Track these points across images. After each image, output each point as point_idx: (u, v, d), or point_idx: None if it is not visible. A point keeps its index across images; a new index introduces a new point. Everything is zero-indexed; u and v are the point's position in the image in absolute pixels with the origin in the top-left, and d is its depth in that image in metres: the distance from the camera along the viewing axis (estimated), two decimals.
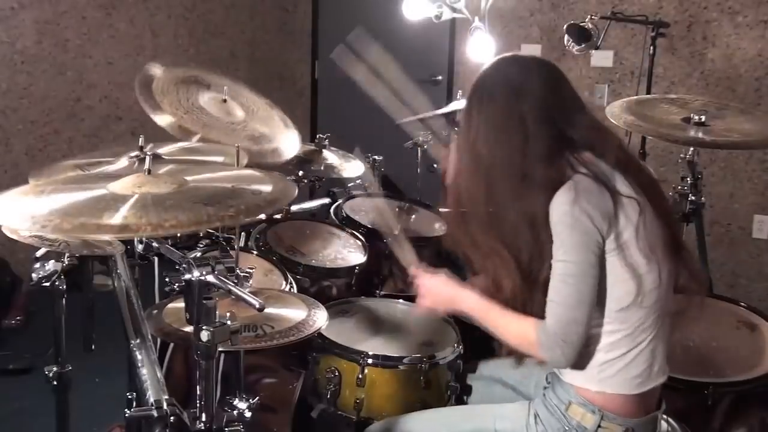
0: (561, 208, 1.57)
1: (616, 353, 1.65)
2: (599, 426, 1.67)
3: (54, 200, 1.40)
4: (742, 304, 2.54)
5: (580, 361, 1.65)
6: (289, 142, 2.42)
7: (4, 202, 1.39)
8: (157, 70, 2.36)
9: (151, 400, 1.43)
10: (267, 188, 1.47)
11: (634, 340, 1.64)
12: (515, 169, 1.64)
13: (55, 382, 1.88)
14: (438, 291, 1.84)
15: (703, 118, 2.44)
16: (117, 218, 1.29)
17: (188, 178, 1.51)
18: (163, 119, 2.16)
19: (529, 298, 1.67)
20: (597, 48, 3.71)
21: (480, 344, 2.31)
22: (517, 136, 1.64)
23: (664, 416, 1.80)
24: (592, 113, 1.73)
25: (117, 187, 1.45)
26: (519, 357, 1.81)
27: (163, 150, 2.12)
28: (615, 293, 1.62)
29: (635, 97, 2.94)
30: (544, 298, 1.63)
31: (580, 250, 1.57)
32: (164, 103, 2.19)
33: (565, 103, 1.68)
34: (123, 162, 2.07)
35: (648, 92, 3.79)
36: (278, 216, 2.74)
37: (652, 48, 3.75)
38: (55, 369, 1.88)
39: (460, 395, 2.12)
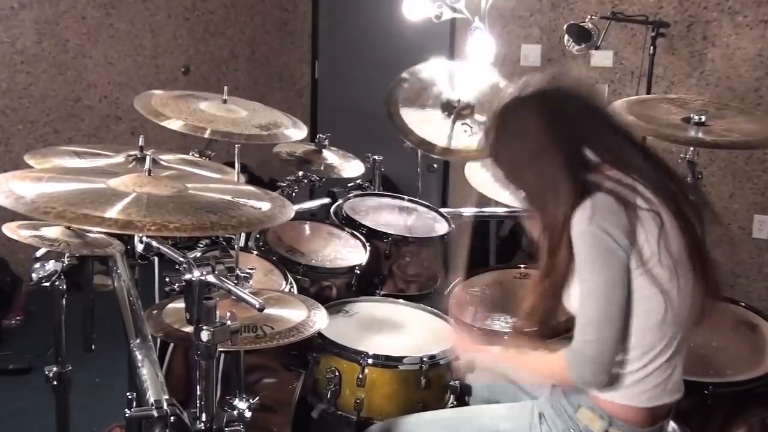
0: (579, 227, 1.56)
1: (632, 367, 1.63)
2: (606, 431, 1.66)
3: (54, 188, 1.41)
4: (742, 303, 2.54)
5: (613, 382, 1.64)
6: (296, 129, 2.43)
7: (1, 184, 1.39)
8: (153, 93, 2.39)
9: (151, 400, 1.43)
10: (265, 205, 1.49)
11: (651, 355, 1.62)
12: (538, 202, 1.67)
13: (55, 382, 1.88)
14: (482, 358, 1.96)
15: (703, 118, 2.43)
16: (121, 213, 1.30)
17: (188, 185, 1.52)
18: (172, 123, 2.18)
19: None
20: (597, 48, 3.71)
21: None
22: (531, 173, 1.67)
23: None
24: (608, 120, 1.72)
25: (117, 183, 1.46)
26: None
27: (164, 157, 2.13)
28: (639, 309, 1.60)
29: (635, 97, 2.94)
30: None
31: (602, 268, 1.55)
32: (166, 112, 2.20)
33: (570, 129, 1.67)
34: (119, 158, 2.08)
35: (648, 92, 3.79)
36: None
37: (652, 48, 3.75)
38: (55, 369, 1.88)
39: (461, 395, 2.12)
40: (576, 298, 1.62)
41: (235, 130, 2.20)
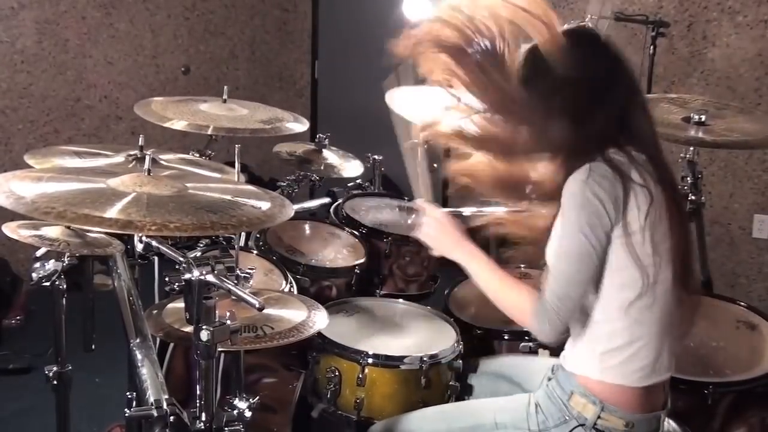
0: (572, 187, 1.59)
1: (617, 343, 1.65)
2: (599, 417, 1.67)
3: (54, 188, 1.41)
4: (742, 303, 2.54)
5: (579, 344, 1.69)
6: (297, 123, 2.44)
7: (1, 184, 1.39)
8: (152, 100, 2.40)
9: (151, 399, 1.43)
10: (265, 204, 1.49)
11: (636, 332, 1.64)
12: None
13: (55, 382, 1.88)
14: (444, 231, 1.85)
15: (703, 117, 2.44)
16: (121, 213, 1.30)
17: (189, 185, 1.53)
18: (176, 124, 2.19)
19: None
20: None
21: (480, 342, 2.32)
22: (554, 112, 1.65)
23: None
24: (644, 105, 1.71)
25: (117, 183, 1.46)
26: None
27: (164, 157, 2.13)
28: (617, 281, 1.62)
29: None
30: None
31: (584, 230, 1.57)
32: (168, 114, 2.22)
33: (621, 100, 1.67)
34: (119, 158, 2.08)
35: (648, 92, 3.79)
36: None
37: (652, 47, 3.75)
38: (55, 369, 1.88)
39: (461, 395, 2.12)
40: (552, 251, 1.65)
41: (238, 125, 2.22)
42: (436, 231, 1.86)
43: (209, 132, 2.22)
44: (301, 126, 2.41)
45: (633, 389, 1.67)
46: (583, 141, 1.63)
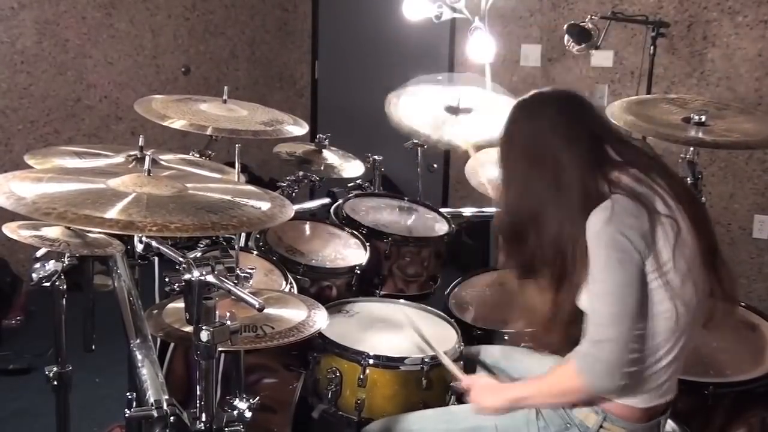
0: (596, 227, 1.55)
1: (635, 368, 1.62)
2: (601, 426, 1.67)
3: (54, 188, 1.41)
4: (743, 304, 2.53)
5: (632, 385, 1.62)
6: (297, 126, 2.45)
7: (1, 184, 1.39)
8: (153, 98, 2.40)
9: (151, 400, 1.43)
10: (265, 205, 1.49)
11: (651, 359, 1.62)
12: (551, 206, 1.64)
13: (55, 382, 1.88)
14: (488, 390, 1.82)
15: (704, 118, 2.43)
16: (122, 214, 1.30)
17: (189, 185, 1.53)
18: (176, 123, 2.20)
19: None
20: (597, 48, 3.71)
21: (480, 343, 2.31)
22: (544, 176, 1.65)
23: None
24: (618, 130, 1.76)
25: (117, 184, 1.46)
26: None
27: (164, 157, 2.14)
28: (650, 313, 1.59)
29: (635, 97, 2.93)
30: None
31: (616, 269, 1.54)
32: (169, 113, 2.22)
33: (591, 126, 1.69)
34: (120, 159, 2.08)
35: (648, 92, 3.79)
36: None
37: (652, 48, 3.75)
38: (55, 369, 1.88)
39: (463, 396, 2.12)
40: (587, 297, 1.61)
41: (239, 127, 2.22)
42: (485, 395, 1.82)
43: (209, 132, 2.23)
44: (301, 129, 2.41)
45: (638, 408, 1.66)
46: (583, 180, 1.61)
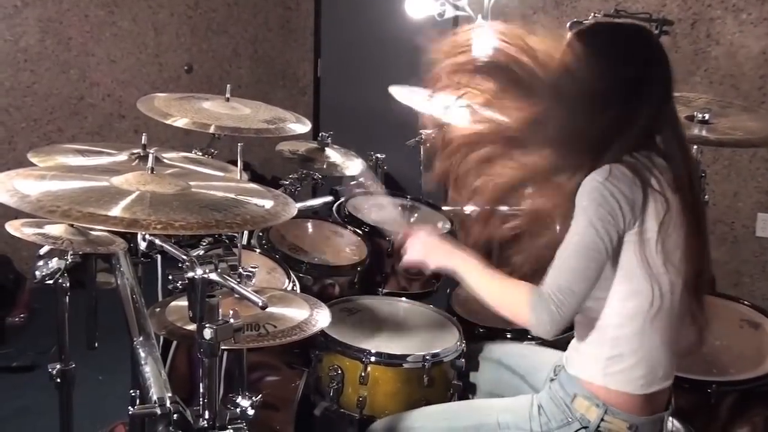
0: (592, 183, 1.57)
1: (622, 350, 1.65)
2: (602, 420, 1.67)
3: (58, 186, 1.41)
4: (746, 302, 2.53)
5: (583, 348, 1.67)
6: (299, 123, 2.45)
7: (5, 182, 1.39)
8: (155, 96, 2.41)
9: (155, 397, 1.43)
10: (268, 203, 1.49)
11: (640, 340, 1.64)
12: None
13: (58, 380, 1.88)
14: (433, 244, 1.82)
15: (707, 116, 2.43)
16: (126, 212, 1.31)
17: (192, 183, 1.53)
18: (179, 122, 2.20)
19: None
20: None
21: (483, 341, 2.31)
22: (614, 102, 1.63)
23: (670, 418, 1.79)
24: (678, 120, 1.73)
25: (120, 181, 1.46)
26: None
27: (167, 155, 2.14)
28: (626, 288, 1.62)
29: None
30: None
31: (596, 225, 1.55)
32: (171, 112, 2.22)
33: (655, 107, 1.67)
34: (123, 157, 2.08)
35: None
36: None
37: None
38: (58, 366, 1.88)
39: (464, 393, 2.12)
40: (562, 246, 1.62)
41: (241, 124, 2.23)
42: (425, 248, 1.83)
43: (211, 131, 2.23)
44: (303, 127, 2.41)
45: (635, 395, 1.67)
46: (608, 142, 1.61)
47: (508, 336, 2.34)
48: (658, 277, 1.60)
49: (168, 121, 2.21)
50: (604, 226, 1.55)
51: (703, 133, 2.42)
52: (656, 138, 1.67)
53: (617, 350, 1.65)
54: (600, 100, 1.63)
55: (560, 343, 1.84)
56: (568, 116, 1.65)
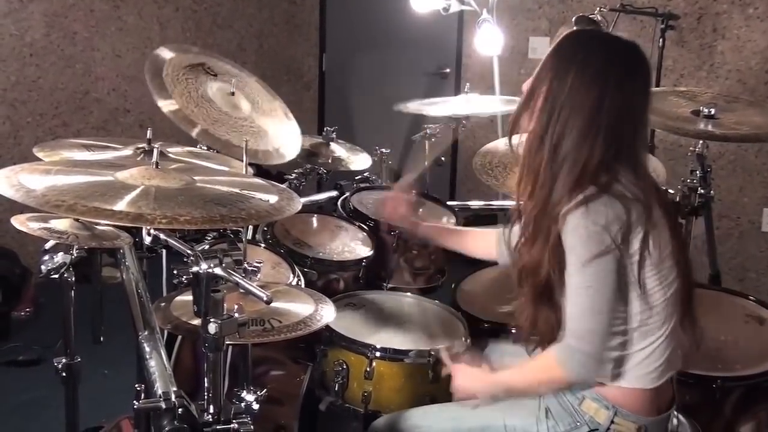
0: (572, 223, 1.55)
1: (632, 349, 1.64)
2: (612, 422, 1.66)
3: (63, 181, 1.42)
4: (751, 297, 2.53)
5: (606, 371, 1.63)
6: (290, 141, 2.44)
7: (10, 176, 1.40)
8: (166, 54, 2.38)
9: (160, 392, 1.43)
10: (273, 198, 1.49)
11: (647, 336, 1.63)
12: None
13: (64, 374, 1.88)
14: (471, 377, 1.83)
15: (713, 110, 2.42)
16: (131, 206, 1.31)
17: (197, 177, 1.53)
18: (167, 105, 2.19)
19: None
20: None
21: (488, 336, 2.31)
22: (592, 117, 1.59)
23: (675, 413, 1.79)
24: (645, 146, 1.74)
25: (125, 176, 1.46)
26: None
27: (172, 150, 2.14)
28: (624, 296, 1.61)
29: None
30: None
31: (593, 262, 1.54)
32: (175, 93, 2.21)
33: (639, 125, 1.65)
34: (128, 151, 2.09)
35: (657, 85, 3.77)
36: None
37: (661, 40, 3.73)
38: (64, 360, 1.89)
39: None
40: (568, 291, 1.62)
41: (229, 134, 2.22)
42: (469, 384, 1.83)
43: (194, 134, 2.22)
44: (293, 150, 2.40)
45: (646, 391, 1.66)
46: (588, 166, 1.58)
47: (513, 332, 2.33)
48: (651, 289, 1.61)
49: (161, 102, 2.19)
50: (599, 259, 1.54)
51: (709, 127, 2.41)
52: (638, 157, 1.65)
53: (625, 350, 1.64)
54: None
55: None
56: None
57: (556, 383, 1.67)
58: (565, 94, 1.60)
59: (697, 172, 2.55)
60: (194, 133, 2.21)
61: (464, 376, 1.84)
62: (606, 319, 1.57)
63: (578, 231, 1.55)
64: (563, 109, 1.60)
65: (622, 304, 1.60)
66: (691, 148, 2.55)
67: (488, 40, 3.34)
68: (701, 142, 2.50)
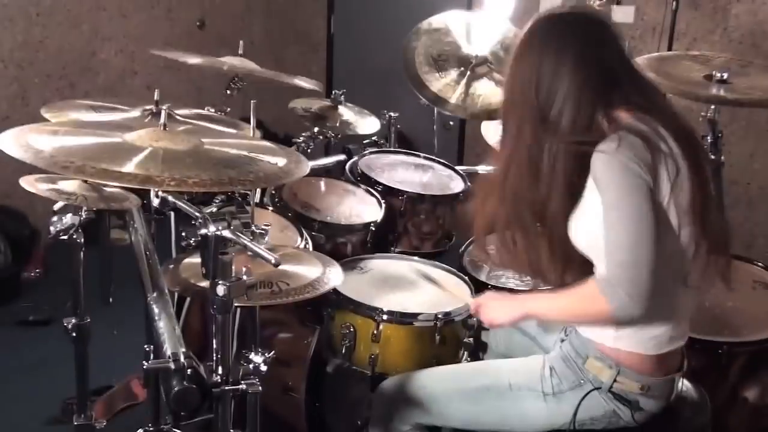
0: (606, 156, 1.53)
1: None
2: (615, 380, 1.67)
3: (72, 142, 1.41)
4: (759, 264, 2.53)
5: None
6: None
7: (19, 136, 1.40)
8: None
9: (169, 352, 1.44)
10: (281, 160, 1.49)
11: (657, 301, 1.59)
12: (538, 110, 1.62)
13: (74, 334, 1.90)
14: (500, 305, 1.82)
15: (726, 75, 2.39)
16: (140, 168, 1.31)
17: (204, 140, 1.52)
18: (191, 60, 2.24)
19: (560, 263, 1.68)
20: (618, 3, 3.64)
21: None
22: (545, 92, 1.62)
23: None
24: (639, 72, 1.71)
25: (133, 138, 1.46)
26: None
27: (179, 112, 2.13)
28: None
29: (657, 54, 2.88)
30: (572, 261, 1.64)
31: (631, 193, 1.52)
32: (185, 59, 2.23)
33: (608, 57, 1.65)
34: (135, 113, 2.08)
35: (669, 49, 3.72)
36: None
37: (674, 3, 3.67)
38: (73, 321, 1.90)
39: (475, 353, 2.13)
40: (584, 233, 1.62)
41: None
42: (496, 312, 1.82)
43: (225, 68, 2.25)
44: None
45: (648, 356, 1.67)
46: (586, 106, 1.60)
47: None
48: (669, 239, 1.58)
49: (181, 59, 2.21)
50: (637, 191, 1.52)
51: (721, 92, 2.38)
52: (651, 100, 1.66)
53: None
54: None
55: None
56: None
57: (598, 316, 1.60)
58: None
59: (708, 137, 2.53)
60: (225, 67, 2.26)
61: (493, 305, 1.83)
62: (649, 249, 1.50)
63: (612, 164, 1.53)
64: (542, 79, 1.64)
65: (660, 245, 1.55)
66: (702, 114, 2.53)
67: (499, 4, 3.30)
68: (713, 107, 2.48)
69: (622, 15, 4.24)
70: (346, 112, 3.02)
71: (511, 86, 1.71)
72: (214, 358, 1.47)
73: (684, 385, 1.84)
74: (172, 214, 2.19)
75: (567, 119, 1.60)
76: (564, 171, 1.61)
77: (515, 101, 1.69)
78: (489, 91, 2.85)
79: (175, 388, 1.37)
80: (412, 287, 2.29)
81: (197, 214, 1.44)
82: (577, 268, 1.67)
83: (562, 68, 1.61)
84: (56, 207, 1.80)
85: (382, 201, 2.69)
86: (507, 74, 1.73)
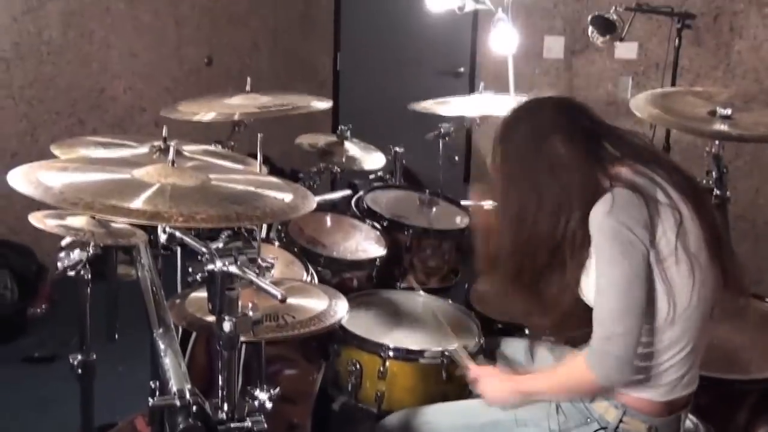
0: (598, 219, 1.55)
1: (646, 363, 1.63)
2: (621, 421, 1.66)
3: (81, 178, 1.42)
4: (767, 300, 2.51)
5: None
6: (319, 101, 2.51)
7: (29, 173, 1.41)
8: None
9: (174, 389, 1.43)
10: (288, 196, 1.50)
11: (665, 353, 1.62)
12: (551, 204, 1.63)
13: (79, 371, 1.89)
14: (498, 386, 1.83)
15: (729, 111, 2.40)
16: (148, 204, 1.32)
17: (212, 176, 1.53)
18: (205, 117, 2.32)
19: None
20: (621, 40, 3.68)
21: (502, 335, 2.31)
22: (544, 173, 1.64)
23: (689, 415, 1.78)
24: (616, 127, 1.74)
25: (142, 174, 1.47)
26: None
27: (187, 148, 2.15)
28: (650, 308, 1.59)
29: (660, 90, 2.90)
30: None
31: (621, 261, 1.54)
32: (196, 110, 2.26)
33: (588, 125, 1.69)
34: (144, 149, 2.09)
35: (673, 85, 3.75)
36: None
37: (677, 40, 3.70)
38: (79, 357, 1.90)
39: None
40: (592, 288, 1.61)
41: (262, 108, 2.28)
42: (496, 388, 1.83)
43: (236, 117, 2.28)
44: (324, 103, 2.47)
45: (658, 402, 1.66)
46: (584, 172, 1.62)
47: (527, 332, 2.33)
48: (677, 293, 1.58)
49: (196, 119, 2.25)
50: (626, 258, 1.53)
51: (725, 128, 2.39)
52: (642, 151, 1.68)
53: (641, 364, 1.62)
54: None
55: (578, 341, 1.83)
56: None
57: (587, 387, 1.65)
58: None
59: (713, 173, 2.53)
60: (236, 116, 2.39)
61: (490, 383, 1.84)
62: (635, 320, 1.54)
63: (603, 229, 1.55)
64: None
65: (650, 307, 1.58)
66: (707, 149, 2.54)
67: (503, 40, 3.34)
68: (717, 142, 2.49)
69: (625, 51, 4.29)
70: (352, 148, 3.04)
71: (517, 174, 1.72)
72: (220, 394, 1.46)
73: (694, 423, 1.82)
74: (179, 249, 2.20)
75: (578, 187, 1.61)
76: (583, 239, 1.60)
77: (528, 184, 1.69)
78: None
79: (181, 426, 1.36)
80: (419, 323, 2.28)
81: (204, 249, 1.45)
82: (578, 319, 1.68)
83: (561, 143, 1.64)
84: (63, 243, 1.81)
85: (387, 236, 2.69)
86: (501, 187, 1.74)
